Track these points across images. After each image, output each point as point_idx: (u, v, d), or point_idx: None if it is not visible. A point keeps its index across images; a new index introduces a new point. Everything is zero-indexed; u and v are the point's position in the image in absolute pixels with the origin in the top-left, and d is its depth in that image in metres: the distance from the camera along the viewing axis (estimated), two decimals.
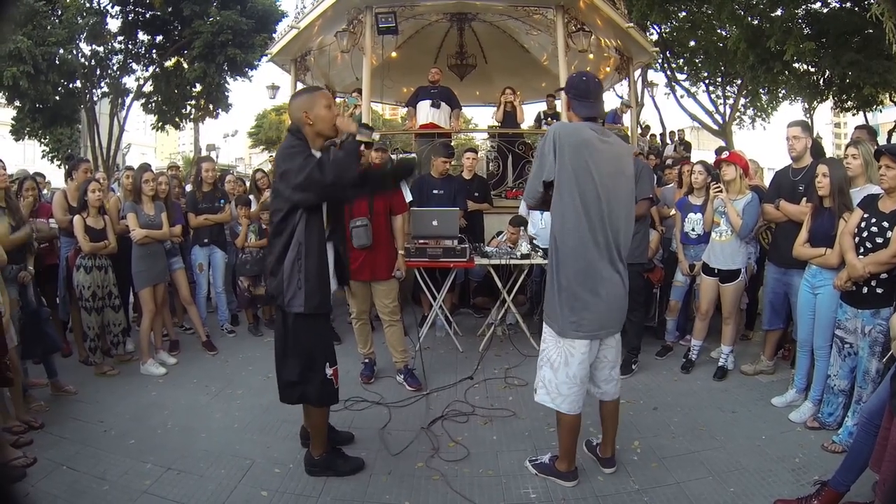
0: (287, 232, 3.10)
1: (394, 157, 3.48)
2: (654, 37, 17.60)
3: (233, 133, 39.89)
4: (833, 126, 47.93)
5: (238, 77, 20.57)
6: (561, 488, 3.26)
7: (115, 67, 19.33)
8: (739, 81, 18.93)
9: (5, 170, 4.48)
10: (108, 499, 3.15)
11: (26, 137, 20.02)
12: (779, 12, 14.51)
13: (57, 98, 17.91)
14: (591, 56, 9.48)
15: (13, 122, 19.40)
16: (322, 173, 2.94)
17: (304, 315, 3.14)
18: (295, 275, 3.09)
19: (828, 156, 5.55)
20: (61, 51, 16.76)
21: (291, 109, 3.29)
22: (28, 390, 4.32)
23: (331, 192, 3.11)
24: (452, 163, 6.66)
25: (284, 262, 3.10)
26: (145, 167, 5.59)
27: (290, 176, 3.00)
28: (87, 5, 17.32)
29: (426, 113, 8.36)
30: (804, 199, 4.32)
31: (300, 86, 9.85)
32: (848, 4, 14.27)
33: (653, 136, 13.77)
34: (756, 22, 14.90)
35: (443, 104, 8.41)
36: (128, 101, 20.15)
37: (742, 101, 20.45)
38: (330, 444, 3.50)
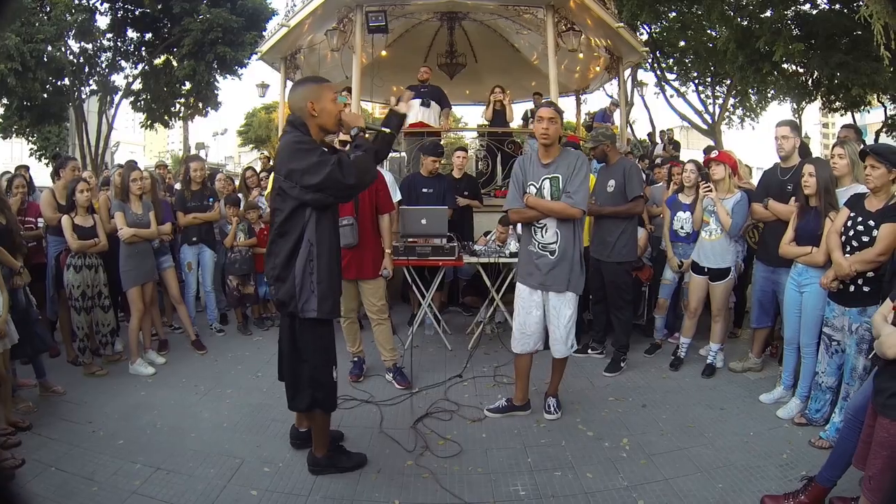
0: (294, 233, 3.00)
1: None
2: (644, 37, 17.67)
3: (222, 131, 39.86)
4: (821, 126, 48.24)
5: (228, 75, 20.45)
6: (549, 485, 3.28)
7: (103, 65, 19.15)
8: (729, 82, 19.03)
9: None
10: (97, 499, 3.13)
11: (14, 135, 19.84)
12: (768, 13, 14.63)
13: (45, 96, 17.72)
14: (580, 55, 9.52)
15: (1, 120, 19.22)
16: (343, 174, 2.85)
17: (316, 320, 3.09)
18: (307, 278, 3.01)
19: (815, 156, 5.59)
20: (49, 48, 16.58)
21: (295, 98, 3.14)
22: (16, 391, 4.29)
23: (350, 193, 3.11)
24: (442, 161, 6.66)
25: (295, 266, 3.01)
26: (132, 165, 5.55)
27: (302, 175, 2.87)
28: (76, 2, 17.15)
29: (416, 112, 8.35)
30: (792, 198, 4.35)
31: (290, 84, 9.82)
32: (837, 6, 14.37)
33: (629, 140, 13.76)
34: (745, 23, 14.99)
35: (432, 103, 8.42)
36: (116, 98, 19.98)
37: (731, 101, 20.55)
38: (332, 443, 3.50)
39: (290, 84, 9.82)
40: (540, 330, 4.06)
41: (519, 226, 6.18)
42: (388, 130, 3.24)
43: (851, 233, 3.55)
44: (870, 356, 3.23)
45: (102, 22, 18.71)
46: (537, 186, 3.93)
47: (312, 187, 2.88)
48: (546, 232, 3.92)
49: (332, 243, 3.13)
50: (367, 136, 3.19)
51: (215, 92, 20.88)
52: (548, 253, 3.91)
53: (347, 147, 3.25)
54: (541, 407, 4.24)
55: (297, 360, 3.20)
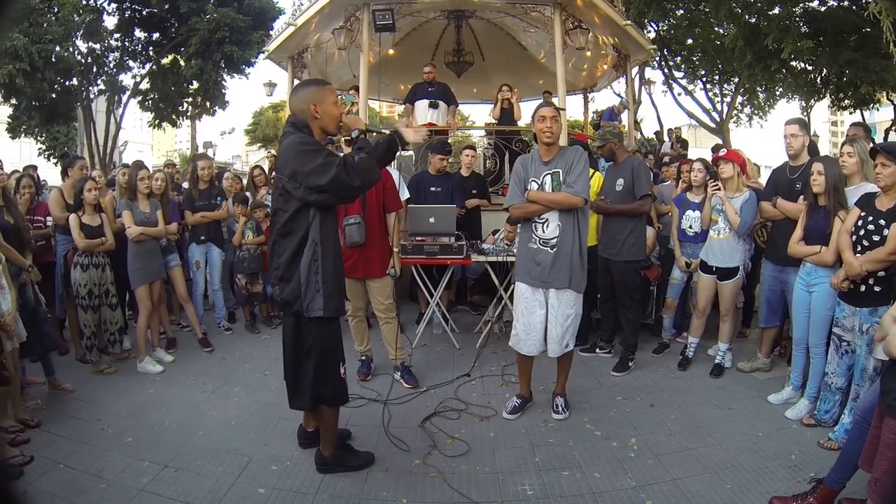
0: (299, 233, 3.01)
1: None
2: (652, 34, 17.59)
3: (230, 130, 39.88)
4: (830, 124, 47.96)
5: (235, 74, 20.49)
6: (557, 484, 3.27)
7: (111, 65, 19.23)
8: (737, 79, 18.94)
9: (2, 168, 4.50)
10: (105, 497, 3.15)
11: (23, 135, 19.95)
12: (776, 10, 14.57)
13: (53, 96, 17.85)
14: (588, 54, 9.49)
15: (9, 120, 19.33)
16: (349, 176, 2.88)
17: (322, 318, 3.09)
18: (312, 277, 3.02)
19: (824, 154, 5.56)
20: (58, 48, 16.66)
21: (297, 100, 3.15)
22: (25, 388, 4.32)
23: (354, 195, 3.18)
24: (450, 160, 6.65)
25: (300, 265, 3.02)
26: (140, 165, 5.58)
27: (307, 176, 2.88)
28: (84, 3, 17.21)
29: (424, 114, 8.35)
30: (801, 196, 4.33)
31: (297, 83, 9.81)
32: (845, 3, 14.31)
33: (636, 139, 13.69)
34: (754, 20, 14.93)
35: (440, 103, 8.39)
36: (124, 98, 20.08)
37: (739, 98, 20.44)
38: (340, 441, 3.50)
39: (297, 83, 9.82)
40: (544, 329, 4.04)
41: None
42: (388, 132, 3.25)
43: (862, 232, 3.53)
44: (875, 355, 3.22)
45: (110, 22, 18.85)
46: (539, 182, 3.94)
47: (318, 188, 2.89)
48: (547, 227, 3.92)
49: (336, 242, 3.16)
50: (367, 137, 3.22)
51: (223, 91, 20.94)
52: (548, 248, 3.91)
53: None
54: (548, 406, 4.24)
55: (301, 358, 3.19)
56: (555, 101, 9.42)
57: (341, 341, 3.32)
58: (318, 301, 3.05)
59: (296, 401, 3.30)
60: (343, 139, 3.56)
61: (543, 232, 3.93)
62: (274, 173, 3.56)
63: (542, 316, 4.01)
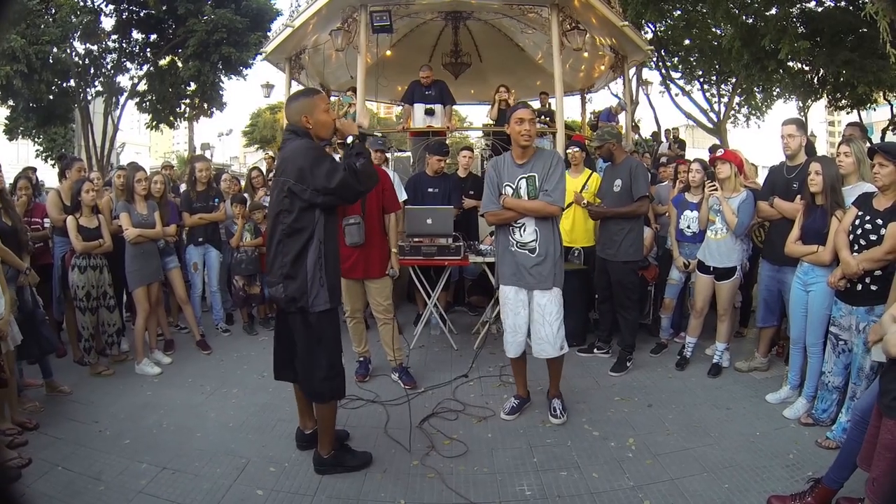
0: (305, 232, 3.10)
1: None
2: (649, 35, 17.60)
3: (227, 132, 39.92)
4: (827, 124, 48.02)
5: (233, 76, 20.45)
6: (555, 484, 3.27)
7: (109, 66, 19.18)
8: (734, 80, 18.98)
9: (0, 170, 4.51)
10: (103, 499, 3.14)
11: (20, 137, 19.92)
12: (773, 11, 14.59)
13: (51, 97, 17.79)
14: (585, 54, 9.48)
15: (7, 122, 19.31)
16: (357, 182, 3.05)
17: (327, 311, 3.20)
18: (317, 273, 3.13)
19: (821, 154, 5.57)
20: (55, 50, 16.61)
21: (290, 112, 3.29)
22: (23, 391, 4.32)
23: (357, 198, 3.31)
24: (447, 161, 6.64)
25: (306, 264, 3.11)
26: (136, 167, 5.58)
27: (315, 179, 3.01)
28: (81, 4, 17.17)
29: (422, 119, 8.33)
30: (798, 196, 4.34)
31: (295, 84, 9.82)
32: (842, 3, 14.36)
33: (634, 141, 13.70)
34: (751, 21, 14.96)
35: (436, 109, 8.35)
36: (122, 100, 20.02)
37: (736, 99, 20.48)
38: (338, 442, 3.52)
39: (294, 84, 9.83)
40: (527, 330, 4.05)
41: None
42: (379, 134, 3.32)
43: (859, 231, 3.54)
44: (872, 356, 3.23)
45: (107, 23, 18.80)
46: (513, 187, 3.93)
47: (325, 191, 3.02)
48: (524, 231, 3.91)
49: (337, 240, 3.30)
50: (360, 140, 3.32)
51: (220, 92, 20.89)
52: (527, 251, 3.91)
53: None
54: (546, 406, 4.23)
55: (315, 351, 3.24)
56: (552, 101, 9.46)
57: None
58: (322, 295, 3.15)
59: (317, 394, 3.35)
60: (336, 143, 3.60)
61: (521, 236, 3.93)
62: (272, 175, 3.61)
63: (525, 317, 4.01)
